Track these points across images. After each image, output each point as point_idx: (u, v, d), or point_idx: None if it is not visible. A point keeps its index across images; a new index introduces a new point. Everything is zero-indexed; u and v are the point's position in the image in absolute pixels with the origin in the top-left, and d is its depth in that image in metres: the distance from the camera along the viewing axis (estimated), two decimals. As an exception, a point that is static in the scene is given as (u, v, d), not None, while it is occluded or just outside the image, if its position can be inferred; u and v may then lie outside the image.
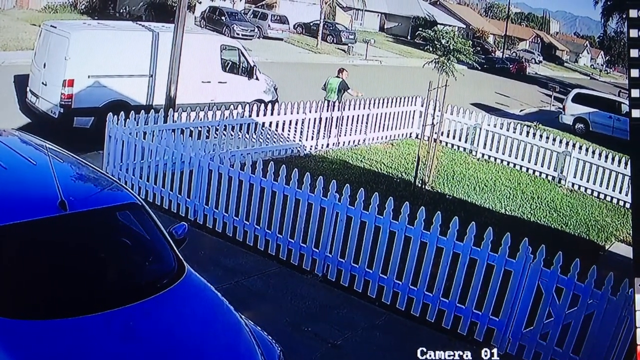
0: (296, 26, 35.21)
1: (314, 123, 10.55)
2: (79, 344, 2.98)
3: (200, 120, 8.80)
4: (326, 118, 10.74)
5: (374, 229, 5.65)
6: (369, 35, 38.47)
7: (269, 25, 30.43)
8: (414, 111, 12.81)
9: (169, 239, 3.94)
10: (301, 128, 10.34)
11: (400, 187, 9.35)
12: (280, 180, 6.21)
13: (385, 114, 12.08)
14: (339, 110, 10.93)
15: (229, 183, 6.58)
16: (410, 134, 12.87)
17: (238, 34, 27.23)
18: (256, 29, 29.36)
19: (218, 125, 9.05)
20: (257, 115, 9.59)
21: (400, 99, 12.42)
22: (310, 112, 10.41)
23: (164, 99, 9.31)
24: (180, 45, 9.18)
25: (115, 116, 7.48)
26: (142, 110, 7.89)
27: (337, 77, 11.36)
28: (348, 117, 11.19)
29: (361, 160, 10.58)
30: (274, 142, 9.92)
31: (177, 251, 3.88)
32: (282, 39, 30.98)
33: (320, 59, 24.01)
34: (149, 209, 3.98)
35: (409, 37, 46.69)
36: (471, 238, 5.26)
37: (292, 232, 6.17)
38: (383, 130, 12.12)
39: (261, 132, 9.67)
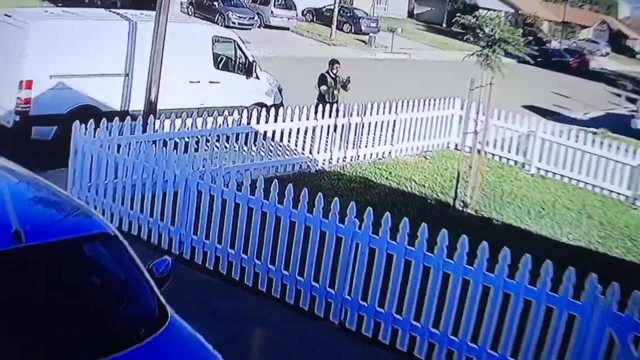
0: (305, 12, 35.37)
1: (328, 131, 10.66)
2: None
3: (188, 129, 8.89)
4: (343, 125, 10.85)
5: (404, 263, 5.64)
6: (395, 22, 38.83)
7: (272, 12, 30.55)
8: (452, 116, 12.88)
9: (149, 277, 3.95)
10: (312, 138, 10.46)
11: (435, 210, 9.37)
12: (285, 203, 6.22)
13: (417, 119, 12.18)
14: (358, 115, 11.03)
15: (223, 207, 6.61)
16: (448, 144, 12.96)
17: (234, 23, 27.29)
18: (256, 17, 29.34)
19: (209, 135, 9.13)
20: (258, 123, 9.70)
21: (435, 101, 12.51)
22: (322, 117, 10.52)
23: (142, 103, 9.38)
24: (163, 37, 9.27)
25: (83, 125, 7.59)
26: (116, 118, 8.00)
27: (327, 72, 11.75)
28: (370, 123, 11.30)
29: (387, 178, 10.64)
30: (279, 155, 10.03)
31: (158, 293, 3.87)
32: (288, 29, 31.21)
33: (335, 52, 24.25)
34: (124, 241, 4.00)
35: (444, 25, 47.00)
36: (525, 274, 5.20)
37: (301, 269, 6.17)
38: (414, 140, 12.21)
39: (262, 144, 9.77)
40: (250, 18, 29.15)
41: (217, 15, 28.78)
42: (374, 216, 5.80)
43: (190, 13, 29.18)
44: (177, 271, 4.31)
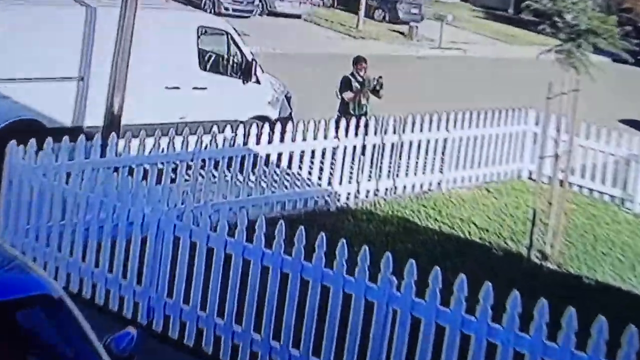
0: (323, -6, 35.80)
1: (354, 155, 10.68)
2: None
3: (163, 152, 8.91)
4: (375, 146, 10.88)
5: (460, 337, 5.61)
6: (444, 7, 38.91)
7: (277, -5, 31.28)
8: (524, 134, 12.90)
9: (105, 356, 3.92)
10: (332, 163, 10.47)
11: (503, 264, 9.32)
12: (295, 253, 6.19)
13: (476, 138, 12.20)
14: (395, 132, 11.05)
15: (209, 259, 6.59)
16: (519, 172, 13.01)
17: (227, 9, 27.50)
18: (257, 1, 29.46)
19: (192, 161, 9.16)
20: (258, 143, 9.74)
21: (501, 113, 12.54)
22: (346, 136, 10.55)
23: (102, 116, 9.41)
24: (131, 28, 9.33)
25: (21, 146, 7.60)
26: (66, 136, 7.98)
27: (351, 74, 12.06)
28: (413, 144, 11.35)
29: (436, 219, 10.63)
30: (286, 187, 10.06)
31: (117, 380, 3.89)
32: (299, 16, 31.39)
33: (363, 47, 24.25)
34: (73, 305, 4.02)
35: (510, 11, 47.05)
36: (631, 356, 5.14)
37: (317, 347, 6.12)
38: (472, 167, 12.26)
39: (264, 171, 9.80)
40: (248, 2, 29.61)
41: (205, -1, 29.12)
42: (418, 272, 5.78)
43: (169, -4, 29.49)
44: (145, 348, 4.34)
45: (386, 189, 11.15)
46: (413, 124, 11.33)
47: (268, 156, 9.80)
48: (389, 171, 11.14)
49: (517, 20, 42.34)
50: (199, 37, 11.43)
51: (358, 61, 12.19)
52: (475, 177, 12.35)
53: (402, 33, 33.33)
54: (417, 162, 11.47)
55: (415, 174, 11.50)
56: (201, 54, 11.50)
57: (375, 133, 10.89)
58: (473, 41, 35.16)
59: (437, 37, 32.07)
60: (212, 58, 11.77)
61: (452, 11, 38.11)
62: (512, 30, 40.34)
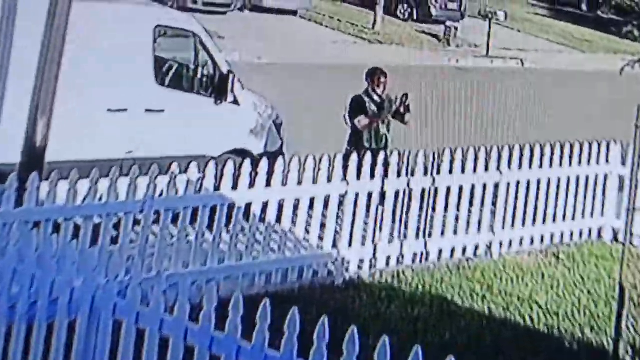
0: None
1: (369, 205, 10.68)
2: None
3: (101, 201, 8.90)
4: (397, 193, 10.87)
5: None
6: (494, 2, 39.04)
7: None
8: (606, 176, 12.94)
9: None
10: (338, 217, 10.49)
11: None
12: (284, 346, 6.02)
13: (539, 182, 12.21)
14: (427, 173, 11.07)
15: (162, 353, 6.47)
16: (599, 231, 13.05)
17: (196, 3, 28.11)
18: None
19: (141, 212, 9.18)
20: (235, 188, 9.74)
21: (572, 148, 12.55)
22: (359, 178, 10.53)
23: (17, 151, 9.33)
24: (63, 29, 9.31)
25: None
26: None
27: (365, 92, 12.13)
28: (451, 190, 11.33)
29: (484, 297, 10.60)
30: (273, 251, 10.07)
31: None
32: (294, 12, 32.21)
33: (381, 55, 24.30)
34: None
35: (584, 8, 47.33)
36: None
37: None
38: (534, 224, 12.27)
39: (242, 228, 9.80)
40: None
41: (168, -13, 29.31)
42: (461, 376, 5.65)
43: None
44: None
45: (414, 255, 11.17)
46: (451, 162, 11.31)
47: (248, 206, 9.81)
48: (418, 229, 11.15)
49: (593, 20, 42.47)
50: (155, 40, 11.58)
51: (375, 75, 12.23)
52: (539, 238, 12.39)
53: (435, 36, 33.57)
54: (457, 216, 11.51)
55: (454, 233, 11.52)
56: (158, 63, 11.63)
57: (399, 175, 10.90)
58: (533, 48, 35.25)
59: (483, 41, 32.19)
60: (174, 69, 11.93)
61: (504, 7, 38.14)
62: (587, 33, 40.52)
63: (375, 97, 12.11)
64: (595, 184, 12.90)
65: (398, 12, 35.35)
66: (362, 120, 11.97)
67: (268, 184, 9.90)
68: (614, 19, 29.07)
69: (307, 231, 10.29)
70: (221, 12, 28.82)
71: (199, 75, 11.95)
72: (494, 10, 34.21)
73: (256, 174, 9.86)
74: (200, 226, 9.53)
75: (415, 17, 35.58)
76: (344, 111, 12.23)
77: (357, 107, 12.06)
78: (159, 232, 9.31)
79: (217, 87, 11.89)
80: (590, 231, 12.98)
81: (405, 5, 35.79)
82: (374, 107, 12.05)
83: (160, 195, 9.26)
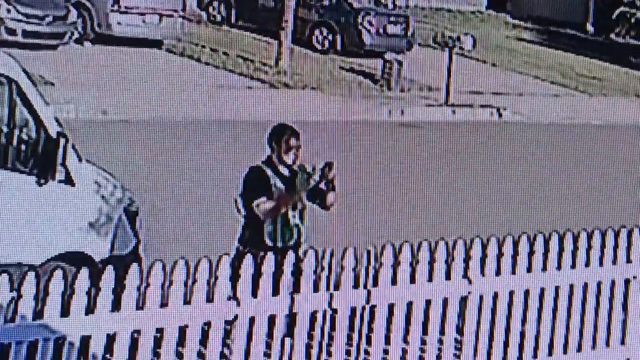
0: (210, 1, 34.45)
1: (269, 334, 9.64)
2: None
3: None
4: (313, 315, 9.81)
5: None
6: (458, 21, 36.33)
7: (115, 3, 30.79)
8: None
9: None
10: (222, 358, 9.49)
11: None
12: None
13: (526, 294, 10.98)
14: (357, 285, 9.89)
15: None
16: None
17: (13, 32, 28.09)
18: (74, 15, 29.67)
19: None
20: (64, 315, 8.59)
21: (575, 242, 11.16)
22: (255, 296, 9.47)
23: None
24: None
25: None
26: None
27: (268, 162, 10.87)
28: (392, 310, 10.19)
29: None
30: None
31: None
32: (159, 43, 32.23)
33: (289, 103, 22.92)
34: None
35: (589, 28, 44.63)
36: None
37: None
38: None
39: None
40: (58, 18, 28.27)
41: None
42: None
43: None
44: None
45: None
46: (394, 271, 9.71)
47: (86, 340, 8.53)
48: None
49: (603, 46, 38.59)
50: None
51: (282, 135, 10.42)
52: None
53: (369, 75, 30.63)
54: (404, 351, 9.98)
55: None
56: None
57: (317, 288, 9.48)
58: (515, 90, 32.26)
59: (442, 82, 29.22)
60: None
61: (472, 28, 35.15)
62: (595, 67, 37.19)
63: (283, 169, 10.29)
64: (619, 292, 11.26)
65: (314, 41, 32.17)
66: (262, 205, 10.11)
67: (115, 307, 8.66)
68: (635, 45, 26.08)
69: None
70: (50, 45, 27.00)
71: (14, 142, 10.49)
72: (456, 35, 30.91)
73: (97, 292, 8.57)
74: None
75: (339, 47, 32.39)
76: (235, 193, 10.34)
77: (255, 184, 10.21)
78: None
79: (42, 159, 10.47)
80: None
81: (325, 31, 32.51)
82: (280, 184, 10.25)
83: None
